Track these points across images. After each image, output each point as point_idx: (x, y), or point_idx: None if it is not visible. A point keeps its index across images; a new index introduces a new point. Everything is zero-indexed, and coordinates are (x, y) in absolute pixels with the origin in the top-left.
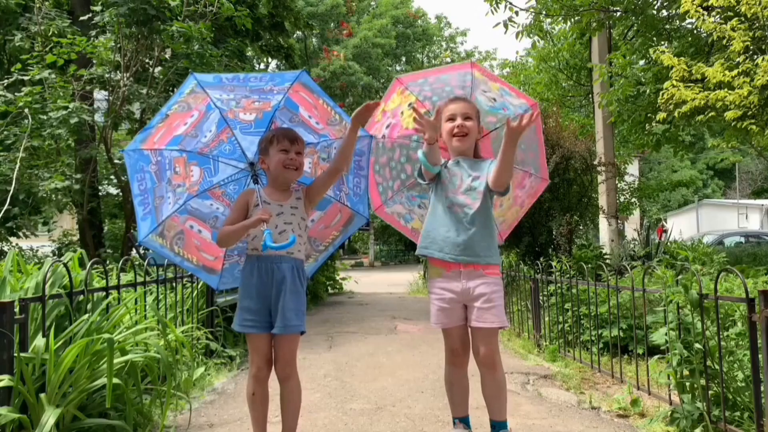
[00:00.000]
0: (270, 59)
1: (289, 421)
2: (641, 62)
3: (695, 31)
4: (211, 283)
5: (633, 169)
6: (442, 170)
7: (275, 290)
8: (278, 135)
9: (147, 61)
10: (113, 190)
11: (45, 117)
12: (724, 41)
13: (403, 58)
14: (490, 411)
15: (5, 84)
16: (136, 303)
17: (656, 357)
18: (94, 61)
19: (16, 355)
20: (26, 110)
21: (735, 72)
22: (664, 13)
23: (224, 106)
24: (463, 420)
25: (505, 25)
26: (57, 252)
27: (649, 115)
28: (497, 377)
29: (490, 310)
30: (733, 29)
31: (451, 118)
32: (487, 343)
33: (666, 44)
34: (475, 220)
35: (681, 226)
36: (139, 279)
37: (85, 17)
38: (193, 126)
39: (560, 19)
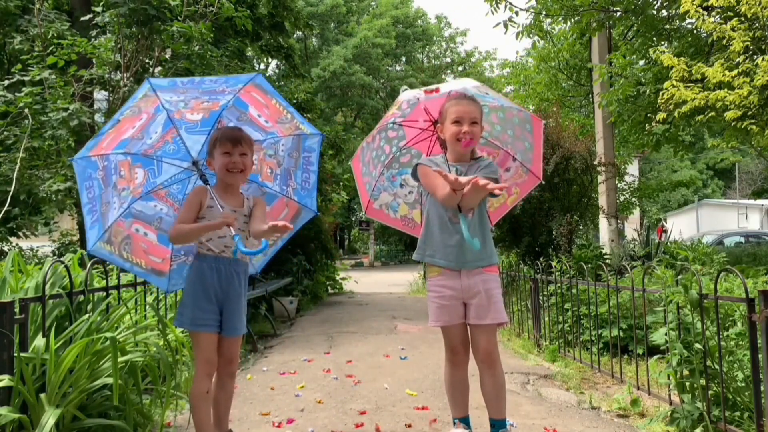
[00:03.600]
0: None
1: (226, 416)
2: (641, 62)
3: (695, 31)
4: (161, 285)
5: (633, 169)
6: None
7: (230, 293)
8: (221, 137)
9: (147, 61)
10: None
11: (45, 118)
12: (724, 41)
13: (403, 58)
14: (490, 409)
15: (5, 84)
16: (136, 303)
17: (656, 357)
18: (95, 62)
19: (16, 355)
20: (26, 111)
21: (735, 72)
22: (664, 13)
23: (172, 107)
24: (464, 420)
25: (505, 26)
26: (57, 252)
27: (649, 115)
28: (497, 375)
29: (489, 306)
30: (733, 29)
31: (457, 122)
32: (486, 341)
33: (666, 44)
34: (472, 226)
35: (681, 226)
36: (139, 279)
37: (86, 18)
38: (141, 129)
39: (560, 19)
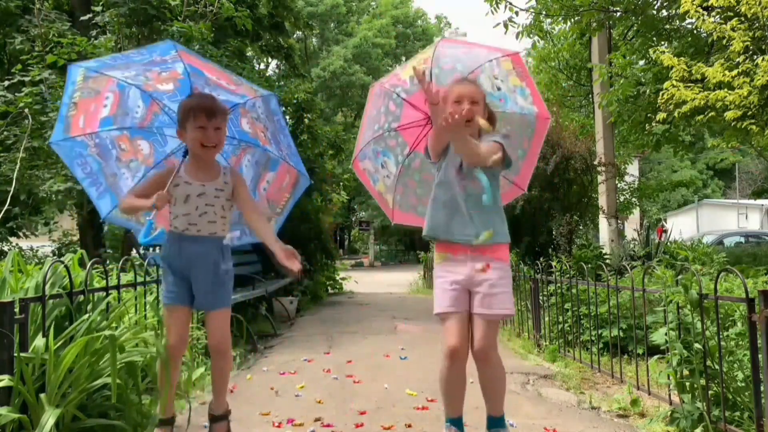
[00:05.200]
0: (270, 59)
1: (223, 391)
2: (641, 62)
3: (695, 31)
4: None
5: (633, 169)
6: (449, 146)
7: (196, 269)
8: (196, 108)
9: None
10: None
11: (45, 118)
12: (724, 41)
13: (403, 58)
14: (488, 405)
15: (5, 84)
16: (135, 303)
17: (656, 357)
18: None
19: (16, 355)
20: (26, 111)
21: (735, 72)
22: (664, 13)
23: (136, 82)
24: (457, 422)
25: (505, 26)
26: (57, 252)
27: (649, 115)
28: (496, 369)
29: (495, 296)
30: (733, 29)
31: (458, 101)
32: (488, 332)
33: (666, 44)
34: (481, 199)
35: (681, 226)
36: (139, 279)
37: (86, 17)
38: (116, 106)
39: (560, 19)
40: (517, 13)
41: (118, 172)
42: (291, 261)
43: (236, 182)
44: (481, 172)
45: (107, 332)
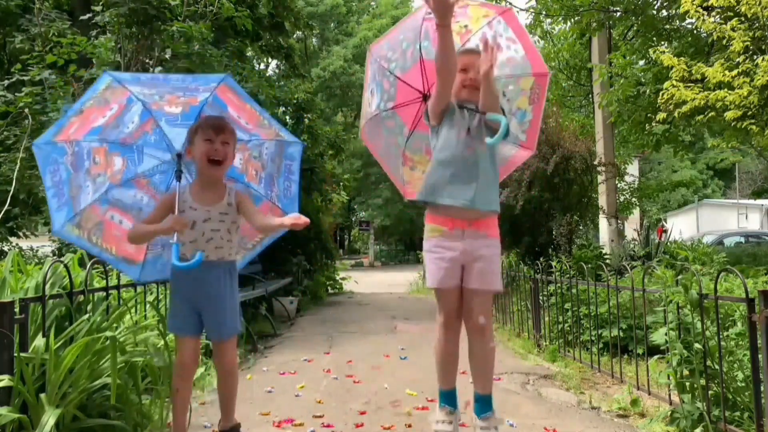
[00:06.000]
0: (270, 59)
1: (229, 410)
2: (641, 62)
3: (695, 31)
4: (132, 274)
5: (633, 169)
6: (452, 110)
7: (206, 297)
8: (203, 124)
9: (147, 61)
10: None
11: (45, 118)
12: (724, 41)
13: None
14: (476, 383)
15: (5, 84)
16: (136, 303)
17: (656, 357)
18: (95, 62)
19: (16, 355)
20: (26, 111)
21: (735, 72)
22: (664, 13)
23: (147, 99)
24: (450, 393)
25: None
26: (57, 252)
27: (649, 115)
28: (488, 345)
29: (491, 272)
30: (733, 29)
31: (464, 70)
32: (483, 307)
33: (666, 44)
34: (481, 163)
35: (681, 226)
36: None
37: (86, 17)
38: (114, 118)
39: (560, 19)
40: (517, 13)
41: (83, 184)
42: (297, 222)
43: (240, 199)
44: (489, 134)
45: (108, 333)
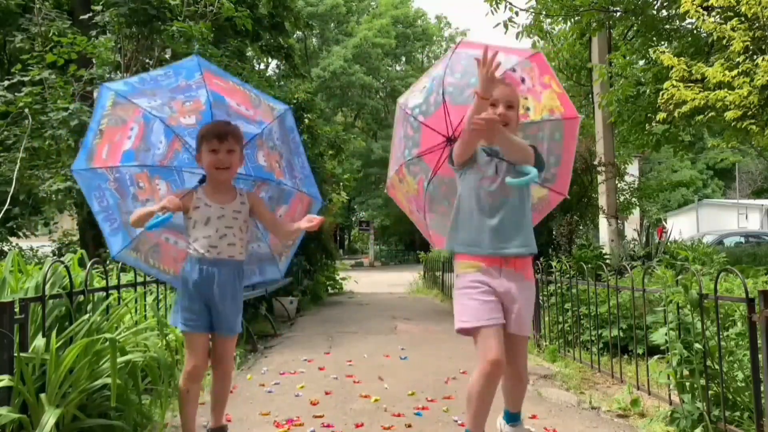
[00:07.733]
0: (270, 59)
1: (221, 410)
2: (641, 62)
3: (695, 31)
4: None
5: (633, 169)
6: (478, 153)
7: (217, 293)
8: (207, 133)
9: (147, 61)
10: None
11: (45, 118)
12: (724, 41)
13: (403, 58)
14: (509, 404)
15: (5, 85)
16: (136, 303)
17: (656, 357)
18: (95, 62)
19: (16, 355)
20: (26, 111)
21: (735, 72)
22: (664, 13)
23: (161, 113)
24: None
25: (505, 26)
26: (57, 252)
27: (649, 115)
28: (526, 384)
29: (528, 317)
30: (733, 29)
31: (493, 104)
32: (523, 352)
33: (666, 44)
34: (509, 204)
35: (681, 226)
36: (139, 279)
37: (86, 17)
38: (139, 139)
39: (560, 19)
40: (517, 13)
41: (134, 210)
42: (311, 223)
43: (253, 201)
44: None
45: (108, 335)
